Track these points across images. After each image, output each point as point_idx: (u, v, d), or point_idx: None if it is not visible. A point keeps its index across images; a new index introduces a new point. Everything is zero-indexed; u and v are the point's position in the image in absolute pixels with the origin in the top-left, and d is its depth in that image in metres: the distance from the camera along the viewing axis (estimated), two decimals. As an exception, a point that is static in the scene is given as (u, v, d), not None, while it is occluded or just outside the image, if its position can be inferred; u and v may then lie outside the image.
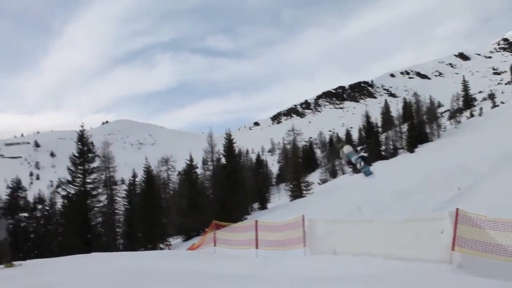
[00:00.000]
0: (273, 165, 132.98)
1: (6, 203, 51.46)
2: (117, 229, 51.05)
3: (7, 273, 11.46)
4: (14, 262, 15.40)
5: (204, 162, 57.29)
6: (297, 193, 61.08)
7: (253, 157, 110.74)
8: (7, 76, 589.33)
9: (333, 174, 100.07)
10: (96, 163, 45.77)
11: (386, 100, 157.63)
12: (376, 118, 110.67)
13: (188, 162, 54.86)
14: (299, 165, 66.17)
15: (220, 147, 54.70)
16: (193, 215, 47.29)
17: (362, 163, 14.07)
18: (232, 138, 54.38)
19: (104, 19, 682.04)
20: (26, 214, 50.42)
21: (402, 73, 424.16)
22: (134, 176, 56.83)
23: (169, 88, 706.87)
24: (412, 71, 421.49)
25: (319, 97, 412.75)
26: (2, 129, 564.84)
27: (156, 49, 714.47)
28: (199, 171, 57.23)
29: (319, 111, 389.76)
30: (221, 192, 50.45)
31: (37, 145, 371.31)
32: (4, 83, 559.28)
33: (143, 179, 53.20)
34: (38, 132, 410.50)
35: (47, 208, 55.36)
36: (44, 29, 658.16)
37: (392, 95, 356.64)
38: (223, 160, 53.82)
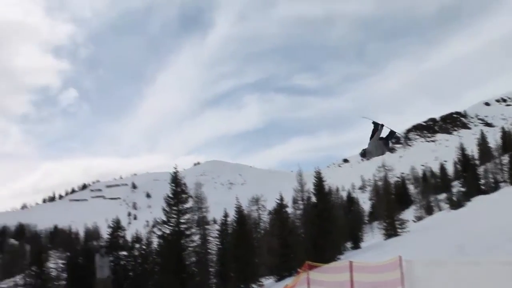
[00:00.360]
0: (365, 203, 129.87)
1: (108, 242, 54.22)
2: (210, 269, 51.65)
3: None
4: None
5: (294, 201, 56.91)
6: (391, 232, 58.68)
7: (344, 194, 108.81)
8: (108, 123, 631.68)
9: (429, 211, 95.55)
10: (189, 204, 46.91)
11: (481, 130, 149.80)
12: (472, 150, 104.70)
13: (278, 201, 54.82)
14: (392, 202, 63.77)
15: (310, 185, 54.21)
16: (285, 254, 46.85)
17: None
18: (322, 176, 53.74)
19: (192, 65, 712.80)
20: (125, 253, 52.60)
21: (498, 100, 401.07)
22: (226, 216, 57.59)
23: (257, 127, 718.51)
24: (509, 98, 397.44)
25: (409, 131, 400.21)
26: (103, 172, 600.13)
27: (242, 91, 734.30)
28: (289, 210, 56.93)
29: (409, 145, 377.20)
30: (312, 231, 49.66)
31: (134, 186, 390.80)
32: (106, 130, 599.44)
33: (235, 218, 53.71)
34: (135, 174, 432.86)
35: (144, 247, 57.44)
36: (139, 77, 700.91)
37: (488, 124, 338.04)
38: (314, 199, 53.18)
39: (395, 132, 11.14)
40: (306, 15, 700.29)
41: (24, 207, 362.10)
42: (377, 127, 10.91)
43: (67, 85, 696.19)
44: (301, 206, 54.71)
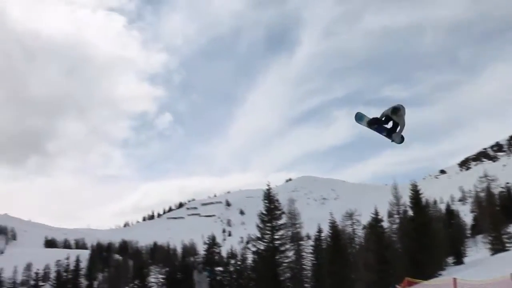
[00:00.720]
0: (466, 215, 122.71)
1: (204, 258, 55.65)
2: (305, 284, 51.22)
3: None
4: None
5: (390, 215, 55.20)
6: (498, 246, 54.99)
7: (442, 207, 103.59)
8: (202, 144, 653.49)
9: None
10: (282, 220, 46.96)
11: None
12: None
13: (373, 215, 53.39)
14: (497, 214, 59.81)
15: (405, 199, 52.28)
16: (382, 270, 45.35)
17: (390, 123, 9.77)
18: (418, 188, 51.67)
19: (280, 83, 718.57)
20: (221, 268, 53.66)
21: None
22: (320, 231, 57.03)
23: (348, 141, 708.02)
24: None
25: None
26: (198, 190, 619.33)
27: (331, 106, 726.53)
28: (385, 224, 55.23)
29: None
30: (410, 246, 47.70)
31: (228, 204, 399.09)
32: (199, 151, 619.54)
33: (329, 234, 53.01)
34: (229, 192, 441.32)
35: (239, 263, 58.22)
36: (229, 99, 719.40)
37: None
38: (410, 212, 51.19)
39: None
40: (393, 25, 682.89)
41: (126, 225, 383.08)
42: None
43: (163, 110, 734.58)
44: (397, 220, 52.94)
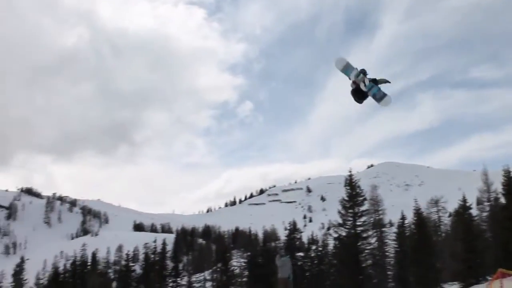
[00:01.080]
0: None
1: (285, 243, 56.08)
2: (388, 272, 50.17)
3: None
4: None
5: (479, 202, 52.55)
6: None
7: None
8: (282, 131, 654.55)
9: None
10: (365, 206, 46.15)
11: None
12: None
13: (461, 203, 51.07)
14: None
15: (497, 185, 49.47)
16: (471, 260, 43.34)
17: (368, 82, 9.54)
18: (512, 174, 48.75)
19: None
20: (301, 254, 53.79)
21: None
22: (403, 218, 55.49)
23: (433, 126, 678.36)
24: None
25: None
26: (279, 177, 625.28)
27: (415, 89, 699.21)
28: (473, 212, 52.70)
29: None
30: (503, 236, 45.16)
31: (308, 190, 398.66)
32: (279, 138, 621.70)
33: (413, 221, 51.44)
34: (309, 179, 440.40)
35: (320, 248, 58.06)
36: (309, 85, 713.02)
37: None
38: (503, 200, 48.36)
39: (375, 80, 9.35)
40: (481, 1, 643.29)
41: (209, 210, 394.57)
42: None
43: (243, 98, 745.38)
44: (488, 208, 50.33)
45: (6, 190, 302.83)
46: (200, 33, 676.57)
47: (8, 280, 66.81)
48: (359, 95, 9.51)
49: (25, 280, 58.36)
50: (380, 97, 9.44)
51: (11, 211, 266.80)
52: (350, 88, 9.90)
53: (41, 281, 72.38)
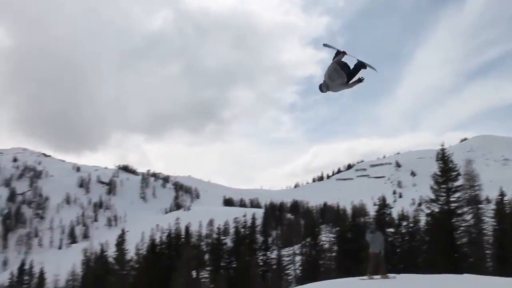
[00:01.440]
0: None
1: (374, 219, 55.45)
2: (486, 251, 48.09)
3: (386, 284, 12.06)
4: (389, 275, 16.21)
5: None
6: None
7: None
8: (369, 105, 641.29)
9: None
10: (459, 182, 44.33)
11: None
12: None
13: None
14: None
15: None
16: None
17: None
18: None
19: (451, 37, 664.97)
20: (392, 230, 52.91)
21: None
22: (502, 194, 52.72)
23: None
24: None
25: None
26: (367, 152, 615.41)
27: (510, 57, 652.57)
28: None
29: None
30: None
31: (398, 165, 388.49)
32: (366, 112, 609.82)
33: (513, 197, 48.83)
34: (398, 153, 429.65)
35: (411, 225, 56.70)
36: (396, 57, 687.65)
37: None
38: None
39: (364, 64, 8.69)
40: None
41: (296, 185, 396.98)
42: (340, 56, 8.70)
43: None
44: None
45: (106, 168, 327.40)
46: (281, 8, 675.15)
47: (112, 249, 71.75)
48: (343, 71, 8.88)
49: (127, 250, 62.40)
50: (360, 63, 8.94)
51: (111, 187, 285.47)
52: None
53: (140, 252, 76.99)
